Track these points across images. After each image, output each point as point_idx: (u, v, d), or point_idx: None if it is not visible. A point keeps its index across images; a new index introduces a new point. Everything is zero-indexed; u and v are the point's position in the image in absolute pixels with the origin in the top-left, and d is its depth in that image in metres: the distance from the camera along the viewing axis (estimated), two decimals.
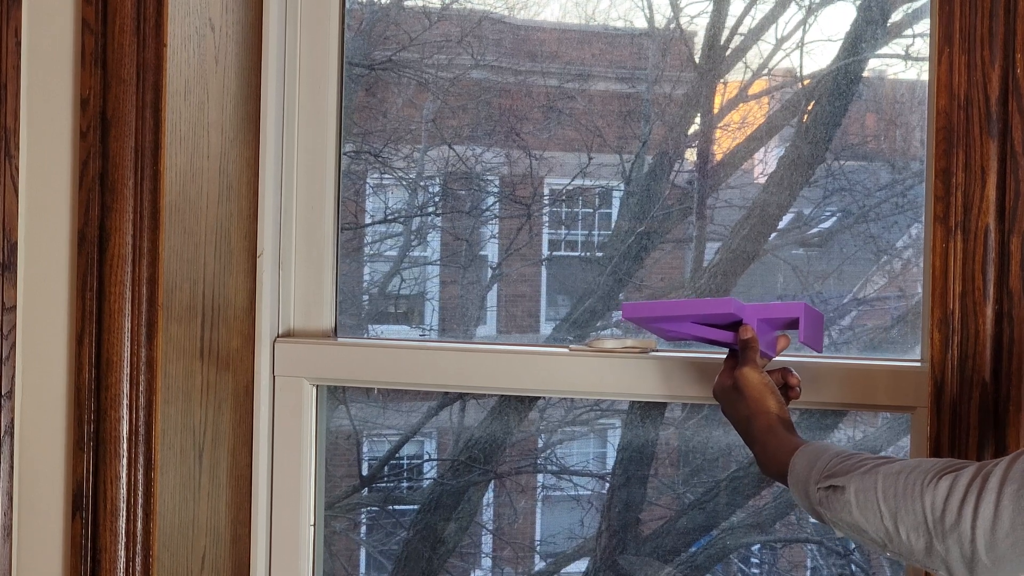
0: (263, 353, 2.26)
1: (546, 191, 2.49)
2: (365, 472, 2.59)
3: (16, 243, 2.11)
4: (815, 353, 1.93)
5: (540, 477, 2.57)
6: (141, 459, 2.05)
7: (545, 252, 2.50)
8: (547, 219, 2.49)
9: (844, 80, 2.28)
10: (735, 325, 1.85)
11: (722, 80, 2.37)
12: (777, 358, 1.91)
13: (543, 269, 2.51)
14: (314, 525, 2.29)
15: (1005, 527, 1.40)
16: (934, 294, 1.81)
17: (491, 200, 2.53)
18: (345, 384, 2.34)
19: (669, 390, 2.09)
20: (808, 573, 2.50)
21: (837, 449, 1.66)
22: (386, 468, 2.62)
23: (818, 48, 2.30)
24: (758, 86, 2.37)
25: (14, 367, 2.12)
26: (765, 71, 2.35)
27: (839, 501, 1.58)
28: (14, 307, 2.12)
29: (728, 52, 2.35)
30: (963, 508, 1.43)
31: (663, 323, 1.89)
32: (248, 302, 2.25)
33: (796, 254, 2.38)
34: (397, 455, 2.61)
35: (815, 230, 2.38)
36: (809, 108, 2.32)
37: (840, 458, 1.63)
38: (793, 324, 1.87)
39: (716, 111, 2.39)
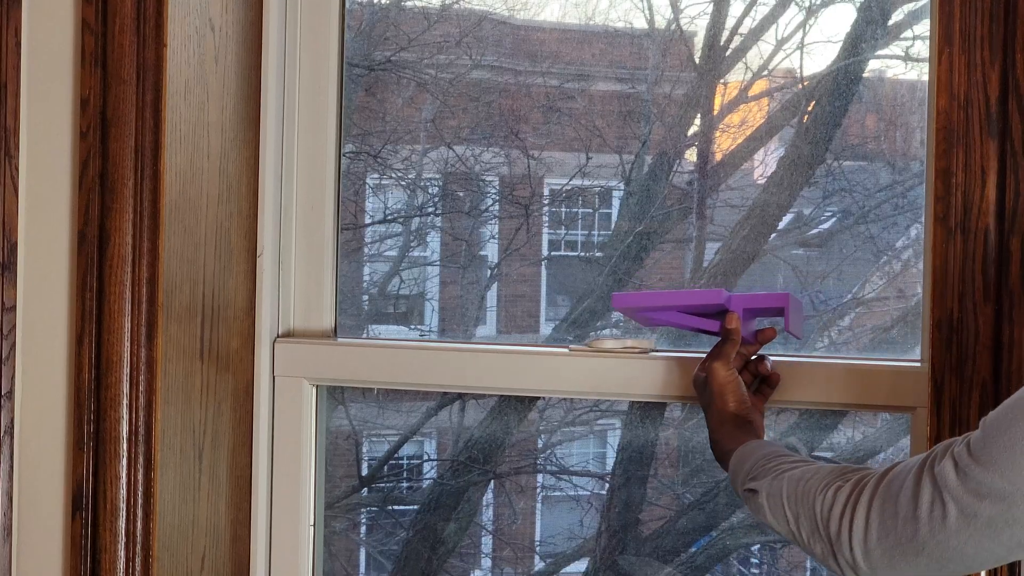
0: (263, 353, 2.26)
1: (545, 191, 2.49)
2: (365, 472, 2.59)
3: (16, 243, 2.11)
4: (815, 353, 1.93)
5: (540, 477, 2.57)
6: (141, 459, 2.05)
7: (545, 252, 2.49)
8: (547, 219, 2.49)
9: (844, 81, 2.27)
10: (722, 314, 1.89)
11: (722, 80, 2.37)
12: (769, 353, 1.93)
13: (543, 269, 2.51)
14: (314, 525, 2.28)
15: (874, 539, 1.47)
16: (934, 294, 1.81)
17: (490, 200, 2.53)
18: (345, 384, 2.33)
19: (669, 390, 2.09)
20: (808, 573, 2.50)
21: (767, 450, 1.70)
22: (385, 468, 2.62)
23: (818, 49, 2.30)
24: (758, 87, 2.37)
25: (14, 367, 2.12)
26: (765, 72, 2.35)
27: (755, 504, 1.65)
28: (14, 307, 2.12)
29: (728, 52, 2.35)
30: (842, 520, 1.50)
31: (652, 313, 1.94)
32: (248, 302, 2.25)
33: (796, 254, 2.38)
34: (396, 455, 2.61)
35: (815, 230, 2.38)
36: (809, 109, 2.32)
37: (764, 459, 1.67)
38: (778, 313, 1.91)
39: (716, 111, 2.39)
